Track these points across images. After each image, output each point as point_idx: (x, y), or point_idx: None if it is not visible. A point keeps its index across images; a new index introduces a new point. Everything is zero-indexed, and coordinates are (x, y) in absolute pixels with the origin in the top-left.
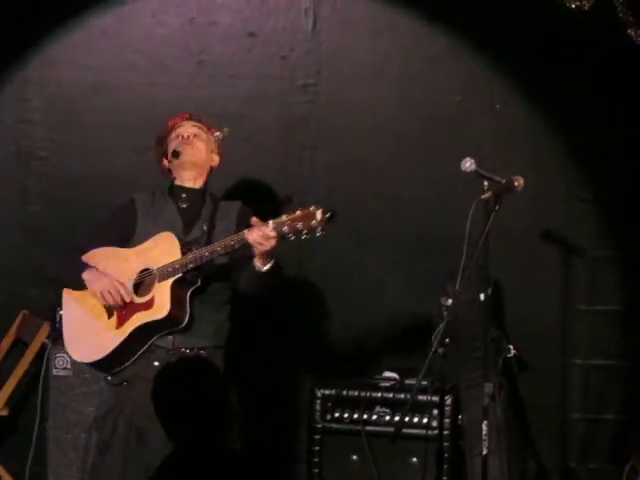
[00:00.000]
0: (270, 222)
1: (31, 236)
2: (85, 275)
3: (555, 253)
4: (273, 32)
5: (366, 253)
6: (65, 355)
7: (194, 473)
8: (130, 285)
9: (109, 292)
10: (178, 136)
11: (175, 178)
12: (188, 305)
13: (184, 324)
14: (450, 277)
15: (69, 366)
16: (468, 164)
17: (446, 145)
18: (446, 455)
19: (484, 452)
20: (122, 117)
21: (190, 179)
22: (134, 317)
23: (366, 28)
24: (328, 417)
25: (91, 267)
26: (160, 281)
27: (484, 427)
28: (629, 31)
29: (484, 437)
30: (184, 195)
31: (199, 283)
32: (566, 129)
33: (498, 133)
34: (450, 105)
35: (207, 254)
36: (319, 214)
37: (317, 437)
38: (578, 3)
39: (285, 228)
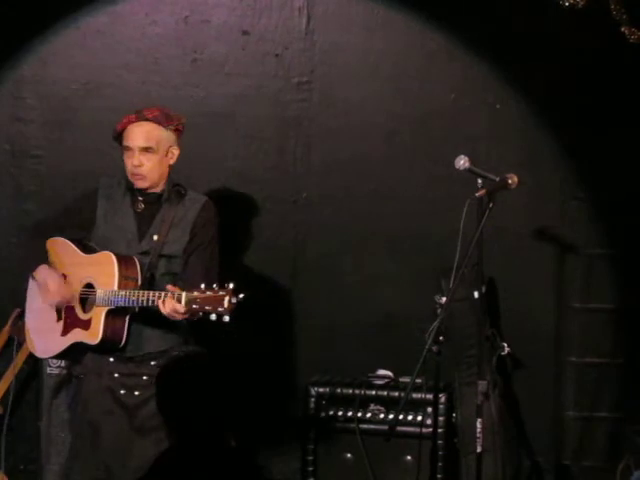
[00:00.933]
0: (183, 296)
1: (25, 234)
2: (38, 270)
3: (549, 251)
4: (267, 30)
5: (360, 251)
6: None
7: (190, 469)
8: (77, 296)
9: (52, 294)
10: (128, 150)
11: None
12: (126, 330)
13: (121, 346)
14: (444, 275)
15: (62, 364)
16: (462, 162)
17: (440, 143)
18: (440, 453)
19: (478, 450)
20: (116, 116)
21: (147, 188)
22: (74, 331)
23: (360, 26)
24: (322, 415)
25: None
26: (98, 305)
27: (478, 425)
28: (623, 29)
29: (478, 435)
30: (141, 198)
31: (136, 310)
32: (560, 127)
33: (492, 131)
34: (444, 103)
35: (134, 299)
36: (226, 302)
37: (311, 435)
38: (572, 1)
39: (195, 306)
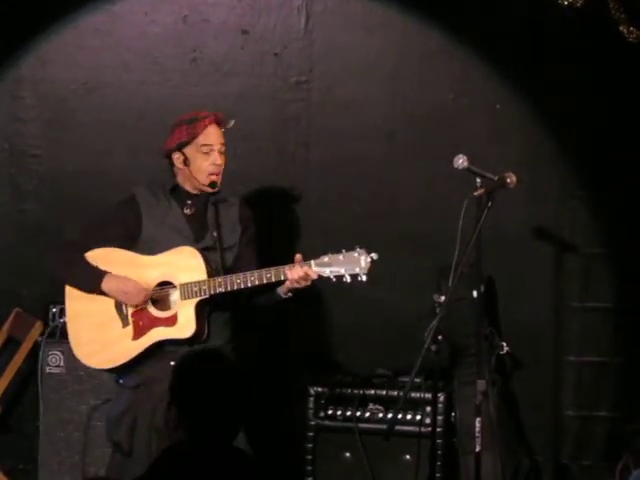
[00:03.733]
0: (312, 263)
1: (24, 234)
2: (105, 281)
3: (548, 250)
4: (266, 30)
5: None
6: (58, 353)
7: (196, 464)
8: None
9: (136, 294)
10: (208, 149)
11: (179, 179)
12: (206, 322)
13: (203, 339)
14: (443, 274)
15: (62, 364)
16: (461, 161)
17: (439, 142)
18: (439, 452)
19: (477, 449)
20: (115, 115)
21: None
22: (153, 331)
23: (359, 25)
24: (321, 414)
25: (104, 272)
26: (184, 298)
27: (477, 424)
28: (621, 28)
29: (477, 434)
30: (189, 202)
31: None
32: (559, 126)
33: (491, 130)
34: (443, 102)
35: (239, 281)
36: (363, 261)
37: (310, 434)
38: (570, 0)
39: (327, 270)
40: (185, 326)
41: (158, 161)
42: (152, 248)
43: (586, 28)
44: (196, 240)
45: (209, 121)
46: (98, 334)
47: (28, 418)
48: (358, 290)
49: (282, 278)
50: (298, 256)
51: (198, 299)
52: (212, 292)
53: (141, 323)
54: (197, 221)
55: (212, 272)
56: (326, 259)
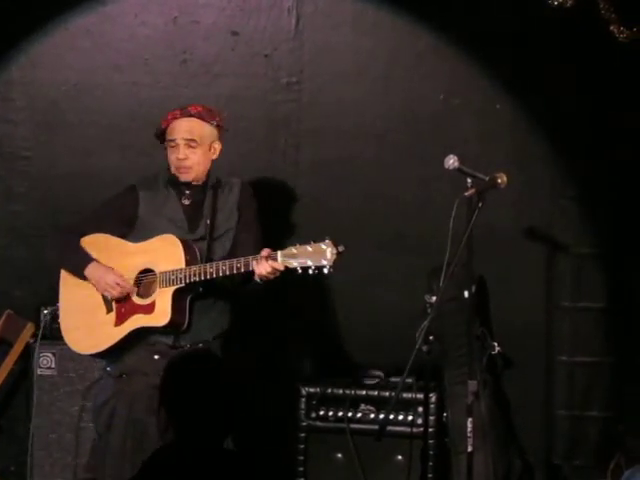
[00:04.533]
0: (279, 255)
1: (15, 236)
2: (89, 268)
3: (539, 250)
4: (256, 31)
5: (350, 251)
6: (49, 355)
7: (186, 466)
8: (131, 283)
9: (112, 286)
10: (173, 144)
11: None
12: (187, 311)
13: (183, 329)
14: (434, 274)
15: (53, 365)
16: (451, 161)
17: (430, 143)
18: (431, 452)
19: (469, 449)
20: (106, 117)
21: (192, 181)
22: (133, 317)
23: (349, 26)
24: (313, 415)
25: (92, 259)
26: (162, 286)
27: (469, 424)
28: (611, 28)
29: (469, 434)
30: (187, 192)
31: (200, 290)
32: (549, 126)
33: (482, 131)
34: (434, 103)
35: (212, 271)
36: (329, 253)
37: (302, 435)
38: (560, 0)
39: (293, 261)
40: (161, 314)
41: (149, 162)
42: (147, 237)
43: (576, 28)
44: (190, 230)
45: (172, 116)
46: (85, 320)
47: (20, 420)
48: (349, 290)
49: (251, 269)
50: (265, 250)
51: (175, 287)
52: (187, 281)
53: (123, 310)
54: (194, 211)
55: (192, 261)
56: (294, 250)
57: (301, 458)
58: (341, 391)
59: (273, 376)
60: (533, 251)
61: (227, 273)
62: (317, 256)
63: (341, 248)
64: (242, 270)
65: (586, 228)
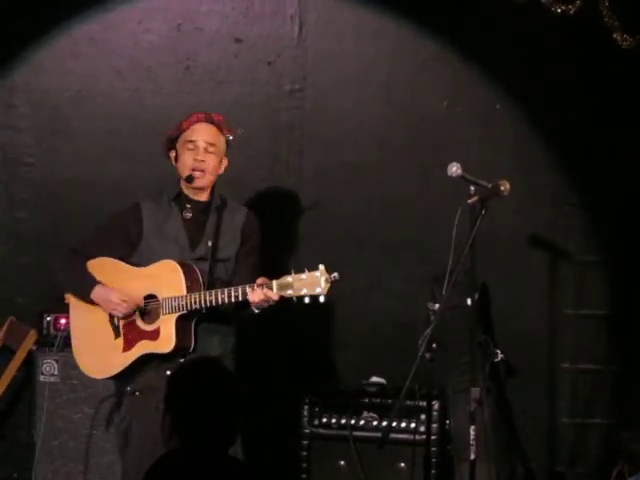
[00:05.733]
0: (274, 284)
1: (18, 243)
2: (94, 292)
3: (542, 257)
4: (259, 38)
5: (353, 258)
6: (52, 362)
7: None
8: (137, 309)
9: (119, 303)
10: (192, 145)
11: (182, 183)
12: (193, 333)
13: (190, 351)
14: (437, 282)
15: (56, 372)
16: (454, 169)
17: (432, 150)
18: (434, 460)
19: (472, 457)
20: (109, 123)
21: (197, 194)
22: (139, 344)
23: (352, 34)
24: (316, 422)
25: (98, 282)
26: (165, 313)
27: (472, 432)
28: (614, 35)
29: (472, 442)
30: (188, 206)
31: (203, 312)
32: (552, 134)
33: (484, 138)
34: (436, 110)
35: (211, 299)
36: (323, 282)
37: (305, 442)
38: (564, 8)
39: (289, 291)
40: (166, 340)
41: (152, 168)
42: (150, 256)
43: (580, 35)
44: (191, 248)
45: (197, 118)
46: (95, 344)
47: (23, 427)
48: (351, 297)
49: (246, 298)
50: (260, 279)
51: (178, 314)
52: (189, 308)
53: (130, 336)
54: (195, 227)
55: (194, 286)
56: (289, 279)
57: (304, 465)
58: (344, 399)
59: (276, 383)
60: (536, 258)
61: (226, 301)
62: (311, 285)
63: (335, 276)
64: (240, 299)
65: (589, 235)
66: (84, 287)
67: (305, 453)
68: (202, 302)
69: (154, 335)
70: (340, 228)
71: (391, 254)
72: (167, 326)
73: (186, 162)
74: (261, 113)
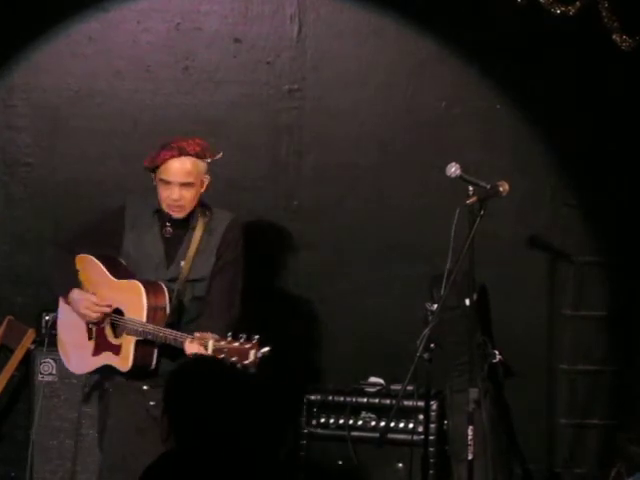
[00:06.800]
0: (210, 345)
1: (16, 242)
2: (73, 292)
3: (540, 258)
4: (259, 38)
5: (351, 258)
6: (50, 361)
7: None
8: (108, 319)
9: (89, 307)
10: (167, 185)
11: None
12: (155, 355)
13: (151, 369)
14: (435, 282)
15: (54, 372)
16: (453, 169)
17: (431, 150)
18: (432, 460)
19: (470, 457)
20: (108, 123)
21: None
22: (104, 354)
23: (351, 34)
24: (314, 422)
25: (76, 286)
26: (127, 333)
27: (470, 432)
28: (614, 37)
29: (470, 442)
30: (169, 224)
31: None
32: (551, 134)
33: (483, 138)
34: (435, 111)
35: (151, 336)
36: (252, 355)
37: (303, 442)
38: (563, 9)
39: (222, 355)
40: (124, 359)
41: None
42: (129, 264)
43: (579, 36)
44: (167, 266)
45: (170, 155)
46: (74, 340)
47: (20, 426)
48: (350, 297)
49: (181, 346)
50: (197, 336)
51: (136, 338)
52: (143, 337)
53: (99, 341)
54: (174, 246)
55: (157, 314)
56: (223, 343)
57: (302, 465)
58: (342, 399)
59: (274, 384)
60: (535, 259)
61: (163, 341)
62: (241, 356)
63: (264, 350)
64: (173, 344)
65: (588, 236)
66: (64, 286)
67: (303, 453)
68: (153, 335)
69: (117, 350)
70: (338, 228)
71: (390, 254)
72: (127, 346)
73: (162, 197)
74: (260, 113)
